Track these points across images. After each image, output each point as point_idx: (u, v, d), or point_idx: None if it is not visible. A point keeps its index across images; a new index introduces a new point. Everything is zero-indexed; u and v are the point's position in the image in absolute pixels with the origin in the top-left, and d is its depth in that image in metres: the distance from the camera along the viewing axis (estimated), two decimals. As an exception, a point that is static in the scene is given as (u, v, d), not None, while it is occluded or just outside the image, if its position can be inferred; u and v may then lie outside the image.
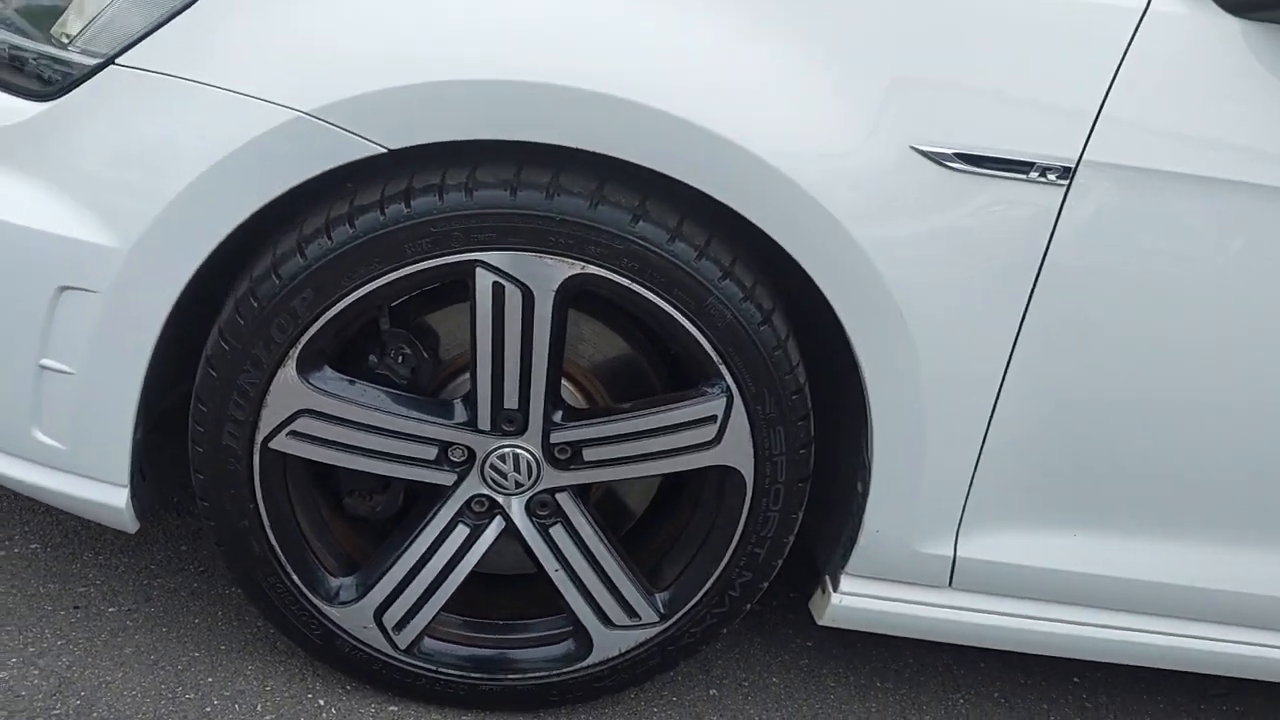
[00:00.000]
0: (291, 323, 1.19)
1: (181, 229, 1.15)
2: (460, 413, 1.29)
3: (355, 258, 1.17)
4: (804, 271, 1.19)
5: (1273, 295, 1.22)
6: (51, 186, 1.18)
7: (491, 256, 1.18)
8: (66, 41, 1.18)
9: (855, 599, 1.40)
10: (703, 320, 1.22)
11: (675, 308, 1.21)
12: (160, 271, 1.17)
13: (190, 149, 1.13)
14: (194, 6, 1.13)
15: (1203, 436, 1.29)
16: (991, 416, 1.27)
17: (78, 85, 1.16)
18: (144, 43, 1.14)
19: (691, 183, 1.14)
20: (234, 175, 1.13)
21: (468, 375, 1.30)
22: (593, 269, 1.19)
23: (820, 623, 1.44)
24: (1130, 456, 1.30)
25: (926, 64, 1.14)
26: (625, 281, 1.20)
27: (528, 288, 1.20)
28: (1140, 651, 1.44)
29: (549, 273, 1.19)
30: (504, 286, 1.20)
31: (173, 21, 1.14)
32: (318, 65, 1.11)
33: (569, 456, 1.31)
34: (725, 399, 1.26)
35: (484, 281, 1.19)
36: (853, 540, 1.36)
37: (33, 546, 1.54)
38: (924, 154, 1.15)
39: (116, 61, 1.15)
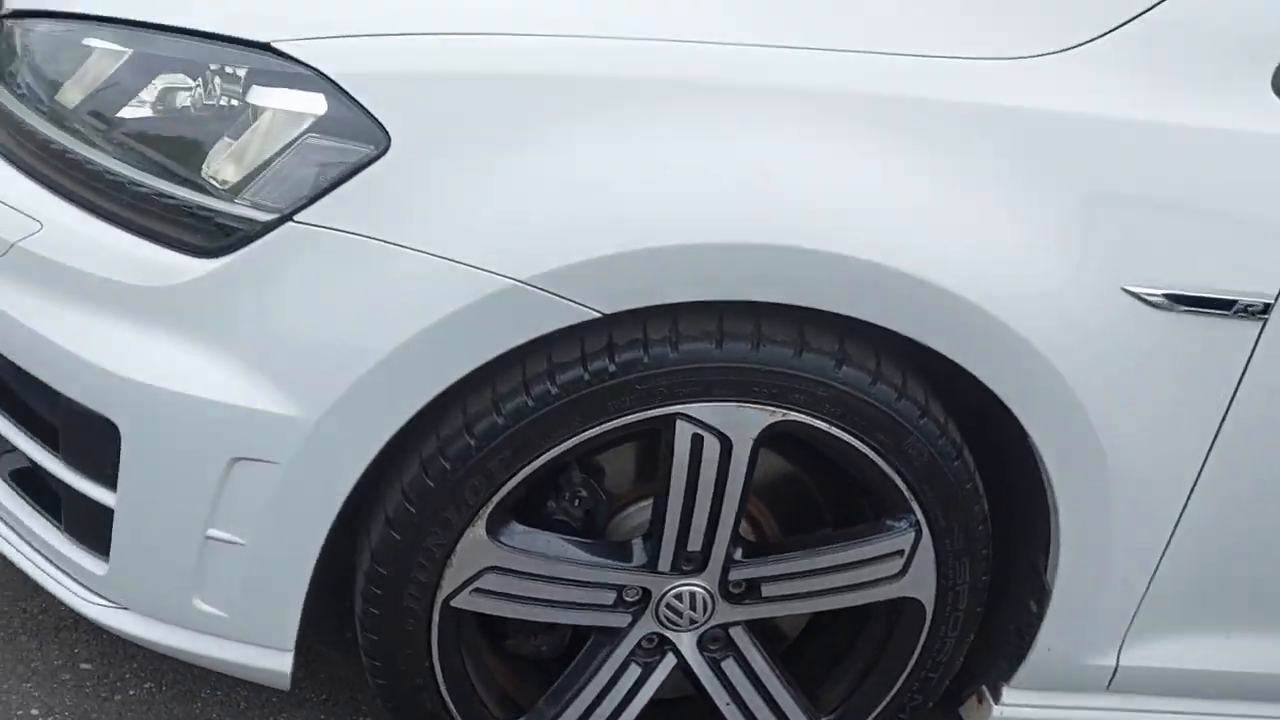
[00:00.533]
0: (486, 484, 1.13)
1: (375, 399, 1.08)
2: (639, 555, 1.24)
3: (557, 417, 1.11)
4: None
5: None
6: (222, 351, 1.09)
7: (694, 409, 1.14)
8: (221, 187, 1.10)
9: (1015, 709, 1.40)
10: (899, 458, 1.19)
11: (872, 448, 1.18)
12: (349, 442, 1.10)
13: (388, 316, 1.06)
14: (383, 159, 1.05)
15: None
16: (1170, 538, 1.27)
17: (249, 242, 1.08)
18: (326, 198, 1.06)
19: (911, 334, 1.11)
20: (436, 344, 1.06)
21: (632, 509, 1.26)
22: (794, 415, 1.15)
23: (974, 729, 1.43)
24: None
25: (1139, 214, 1.13)
26: (825, 426, 1.16)
27: (727, 437, 1.16)
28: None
29: (749, 421, 1.15)
30: (703, 438, 1.15)
31: (358, 177, 1.06)
32: (536, 231, 1.05)
33: (744, 591, 1.27)
34: (914, 533, 1.24)
35: (684, 433, 1.15)
36: (1021, 656, 1.35)
37: (147, 686, 1.45)
38: (1134, 294, 1.14)
39: (295, 219, 1.07)
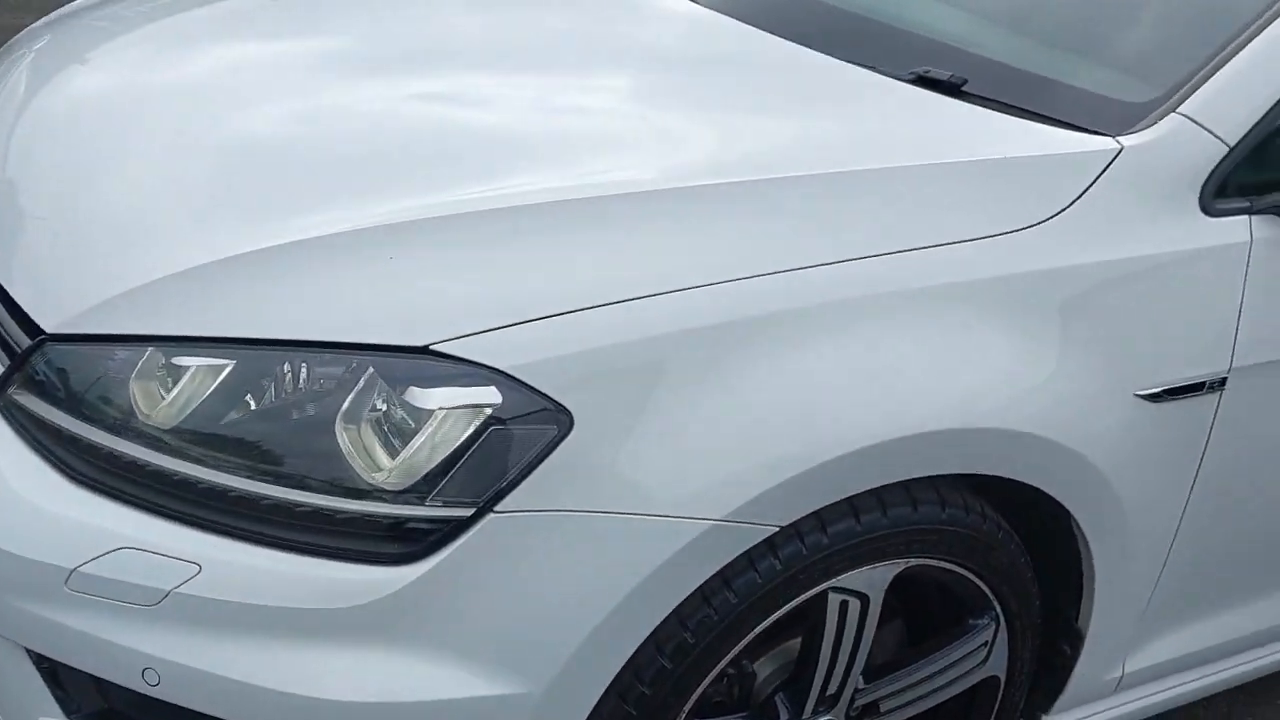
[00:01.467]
0: (679, 699, 1.22)
1: (591, 659, 1.14)
2: (783, 711, 1.37)
3: (737, 621, 1.22)
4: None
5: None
6: (441, 649, 1.11)
7: (842, 580, 1.28)
8: (396, 490, 1.11)
9: (1054, 734, 1.66)
10: (986, 570, 1.39)
11: (968, 569, 1.38)
12: (570, 704, 1.15)
13: (601, 582, 1.12)
14: (570, 437, 1.11)
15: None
16: (1161, 572, 1.56)
17: (450, 541, 1.10)
18: (522, 484, 1.10)
19: (1016, 476, 1.31)
20: (646, 596, 1.14)
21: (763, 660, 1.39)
22: (914, 561, 1.33)
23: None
24: (1254, 556, 1.65)
25: (1141, 343, 1.38)
26: (936, 562, 1.34)
27: (866, 596, 1.31)
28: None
29: (883, 577, 1.32)
30: (848, 602, 1.30)
31: (548, 459, 1.11)
32: (722, 470, 1.14)
33: (862, 711, 1.44)
34: (994, 626, 1.45)
35: (834, 603, 1.29)
36: (1058, 690, 1.61)
37: None
38: (1141, 396, 1.40)
39: (495, 510, 1.10)
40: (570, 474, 1.11)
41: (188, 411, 1.14)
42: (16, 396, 1.19)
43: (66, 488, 1.14)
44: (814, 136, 1.42)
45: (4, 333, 1.27)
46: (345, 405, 1.11)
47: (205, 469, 1.12)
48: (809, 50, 1.64)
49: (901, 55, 1.60)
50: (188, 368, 1.15)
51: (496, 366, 1.10)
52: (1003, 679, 1.51)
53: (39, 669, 1.19)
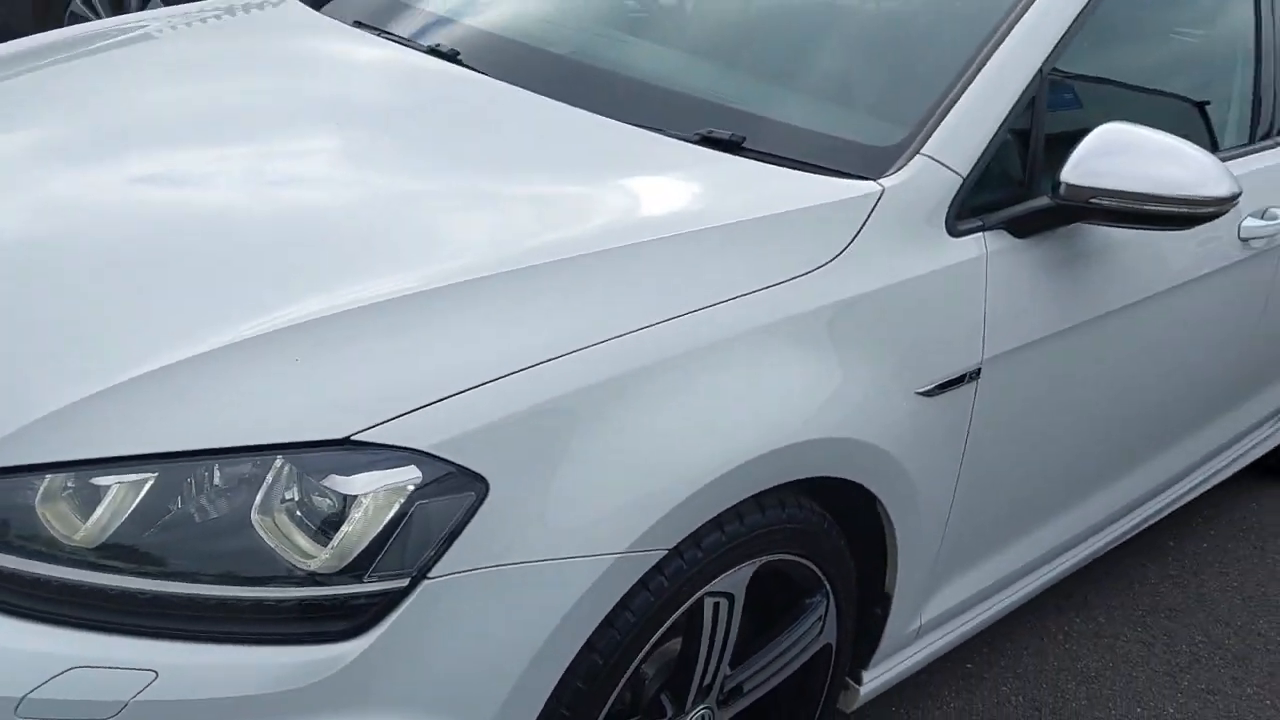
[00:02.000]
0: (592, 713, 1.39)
1: (529, 694, 1.28)
2: (669, 706, 1.56)
3: (638, 636, 1.40)
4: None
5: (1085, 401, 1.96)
6: (395, 709, 1.22)
7: (714, 585, 1.48)
8: (334, 572, 1.21)
9: (870, 684, 1.94)
10: (816, 556, 1.64)
11: (806, 557, 1.62)
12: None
13: (526, 623, 1.27)
14: (487, 500, 1.25)
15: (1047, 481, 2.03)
16: (944, 532, 1.87)
17: (390, 611, 1.21)
18: (450, 550, 1.23)
19: (842, 475, 1.56)
20: (569, 629, 1.29)
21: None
22: (766, 558, 1.55)
23: (848, 711, 1.95)
24: (1009, 508, 1.99)
25: (915, 350, 1.66)
26: (781, 556, 1.57)
27: (732, 595, 1.52)
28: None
29: (744, 576, 1.53)
30: (719, 602, 1.51)
31: (471, 522, 1.24)
32: (621, 508, 1.31)
33: (729, 694, 1.65)
34: (825, 601, 1.70)
35: (709, 605, 1.49)
36: (873, 649, 1.89)
37: None
38: (920, 394, 1.68)
39: (428, 576, 1.22)
40: (490, 534, 1.25)
41: (114, 529, 1.19)
42: None
43: (3, 621, 1.16)
44: (634, 204, 1.61)
45: None
46: (258, 500, 1.20)
47: (144, 579, 1.17)
48: (597, 116, 1.83)
49: (683, 116, 1.82)
50: (109, 487, 1.19)
51: (414, 447, 1.22)
52: (834, 645, 1.76)
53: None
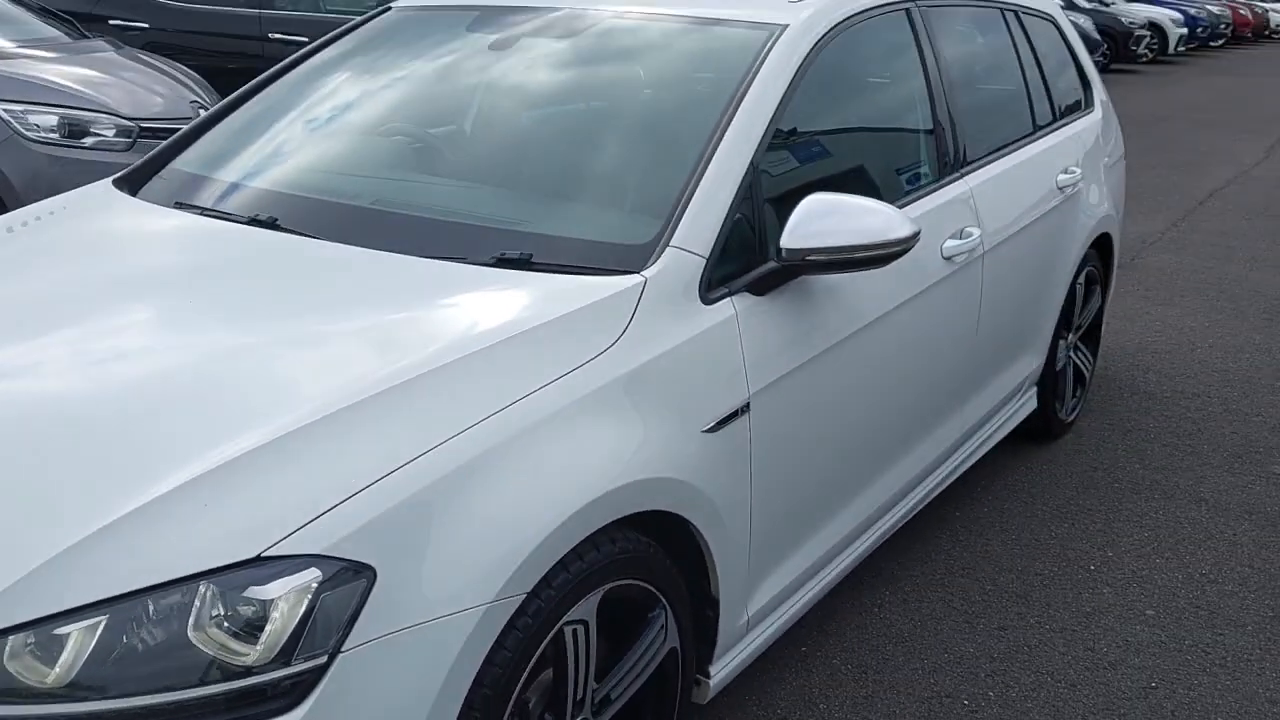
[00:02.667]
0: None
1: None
2: (550, 725, 1.92)
3: (515, 668, 1.75)
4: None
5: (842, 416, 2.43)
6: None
7: (571, 614, 1.85)
8: (265, 662, 1.52)
9: (717, 676, 2.33)
10: (649, 577, 2.03)
11: (641, 579, 2.00)
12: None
13: (426, 672, 1.60)
14: (377, 583, 1.59)
15: (828, 481, 2.47)
16: (750, 538, 2.29)
17: (315, 686, 1.53)
18: (355, 627, 1.57)
19: (666, 508, 1.95)
20: (460, 671, 1.64)
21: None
22: (608, 585, 1.93)
23: (703, 703, 2.34)
24: (801, 509, 2.43)
25: (697, 398, 2.09)
26: (620, 581, 1.95)
27: (586, 621, 1.89)
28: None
29: (592, 603, 1.90)
30: (577, 629, 1.88)
31: (368, 603, 1.58)
32: (484, 569, 1.67)
33: (600, 701, 2.02)
34: (664, 613, 2.09)
35: (570, 633, 1.86)
36: (712, 645, 2.29)
37: None
38: (706, 431, 2.11)
39: (342, 651, 1.56)
40: (384, 608, 1.59)
41: (78, 669, 1.48)
42: None
43: None
44: (453, 324, 1.97)
45: None
46: (191, 620, 1.51)
47: (110, 701, 1.46)
48: (407, 256, 2.21)
49: (478, 244, 2.21)
50: (69, 634, 1.49)
51: (312, 553, 1.56)
52: (679, 649, 2.15)
53: None
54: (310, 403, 1.75)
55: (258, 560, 1.54)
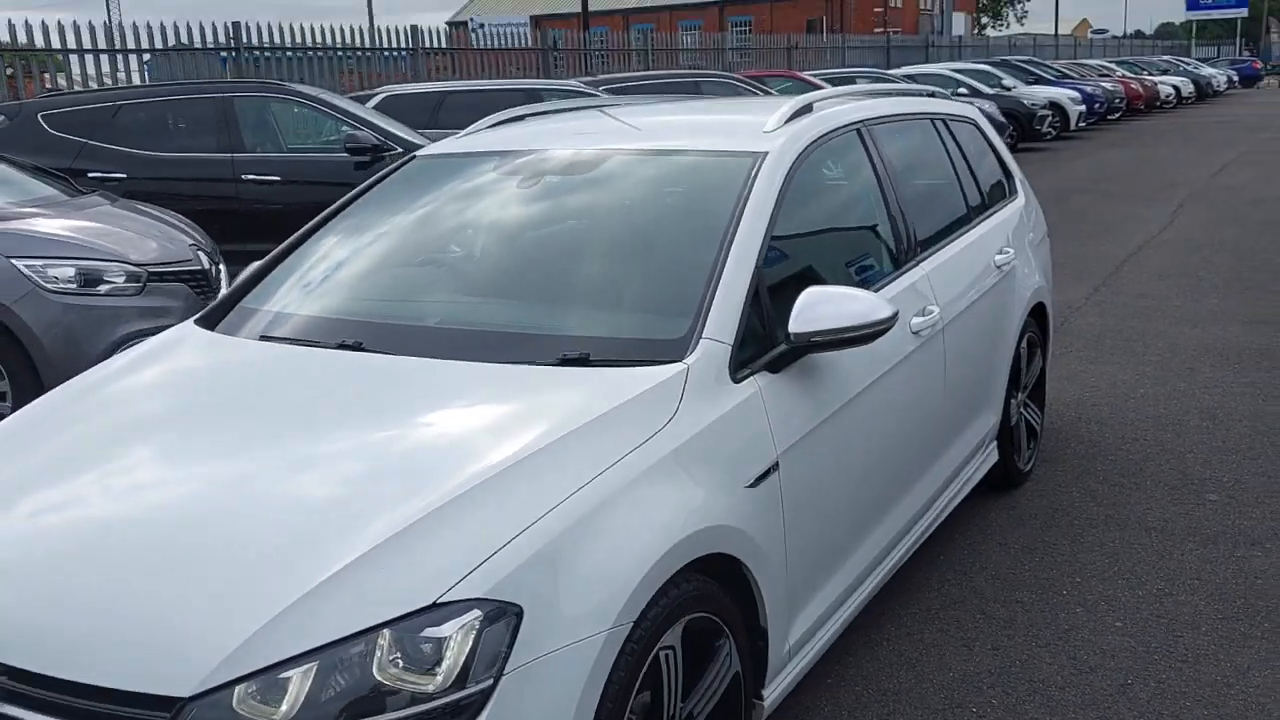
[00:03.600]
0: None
1: (580, 727, 2.04)
2: (654, 736, 2.33)
3: (628, 680, 2.17)
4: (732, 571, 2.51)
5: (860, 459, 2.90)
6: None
7: (663, 640, 2.28)
8: (442, 689, 1.92)
9: (769, 698, 2.76)
10: (715, 610, 2.46)
11: (707, 613, 2.44)
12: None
13: (570, 684, 2.02)
14: (524, 620, 2.01)
15: (843, 523, 2.94)
16: (786, 572, 2.74)
17: (487, 702, 1.94)
18: (513, 652, 1.98)
19: (707, 552, 2.40)
20: (591, 685, 2.06)
21: None
22: (688, 617, 2.35)
23: (761, 721, 2.76)
24: (824, 549, 2.89)
25: (736, 460, 2.56)
26: (695, 614, 2.38)
27: (674, 646, 2.32)
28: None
29: (678, 631, 2.32)
30: (670, 652, 2.30)
31: (519, 634, 2.00)
32: (601, 601, 2.10)
33: (686, 717, 2.43)
34: (728, 642, 2.51)
35: (664, 657, 2.28)
36: (763, 672, 2.72)
37: None
38: (747, 486, 2.57)
39: (505, 673, 1.97)
40: (532, 637, 2.01)
41: (296, 708, 1.88)
42: None
43: None
44: (540, 414, 2.42)
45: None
46: (375, 663, 1.92)
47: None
48: (483, 364, 2.66)
49: (543, 348, 2.67)
50: (290, 678, 1.89)
51: (473, 597, 1.98)
52: (740, 673, 2.58)
53: None
54: (450, 481, 2.18)
55: (432, 607, 1.96)
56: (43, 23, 12.64)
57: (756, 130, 3.33)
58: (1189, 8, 69.67)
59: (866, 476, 3.12)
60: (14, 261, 5.60)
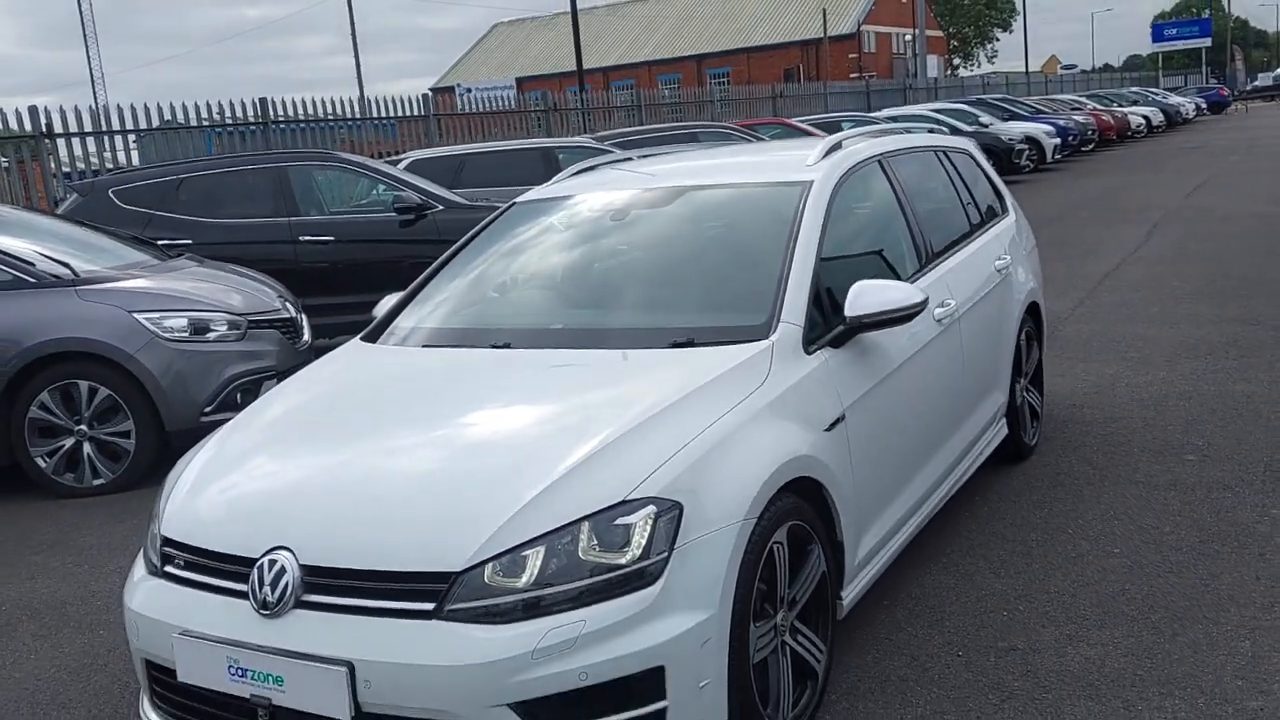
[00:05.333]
0: (754, 603, 2.94)
1: (727, 593, 2.83)
2: (767, 613, 3.11)
3: (754, 557, 2.97)
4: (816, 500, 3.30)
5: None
6: (675, 612, 2.73)
7: (776, 536, 3.07)
8: (633, 560, 2.72)
9: (847, 599, 3.53)
10: (805, 519, 3.25)
11: (803, 523, 3.22)
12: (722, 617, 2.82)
13: (719, 559, 2.82)
14: (685, 512, 2.81)
15: (894, 465, 3.74)
16: (855, 495, 3.53)
17: (663, 570, 2.72)
18: (679, 536, 2.78)
19: (796, 475, 3.21)
20: (733, 559, 2.85)
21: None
22: (790, 523, 3.15)
23: (841, 618, 3.53)
24: (880, 485, 3.69)
25: (815, 411, 3.37)
26: (794, 522, 3.17)
27: (783, 543, 3.11)
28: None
29: (784, 531, 3.12)
30: (780, 546, 3.09)
31: (682, 521, 2.80)
32: (735, 499, 2.90)
33: (790, 600, 3.21)
34: (817, 546, 3.30)
35: (775, 548, 3.08)
36: (840, 578, 3.50)
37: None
38: (824, 430, 3.38)
39: (675, 548, 2.76)
40: (691, 524, 2.79)
41: (533, 578, 2.66)
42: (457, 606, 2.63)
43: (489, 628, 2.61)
44: (671, 378, 3.22)
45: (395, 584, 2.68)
46: (580, 544, 2.71)
47: (549, 589, 2.65)
48: (608, 350, 3.48)
49: (654, 338, 3.49)
50: (526, 556, 2.68)
51: (649, 496, 2.77)
52: (827, 572, 3.36)
53: None
54: (619, 420, 2.99)
55: (622, 504, 2.76)
56: (44, 108, 12.71)
57: (800, 164, 4.18)
58: (1155, 39, 71.79)
59: (909, 430, 3.93)
60: (135, 315, 6.41)
